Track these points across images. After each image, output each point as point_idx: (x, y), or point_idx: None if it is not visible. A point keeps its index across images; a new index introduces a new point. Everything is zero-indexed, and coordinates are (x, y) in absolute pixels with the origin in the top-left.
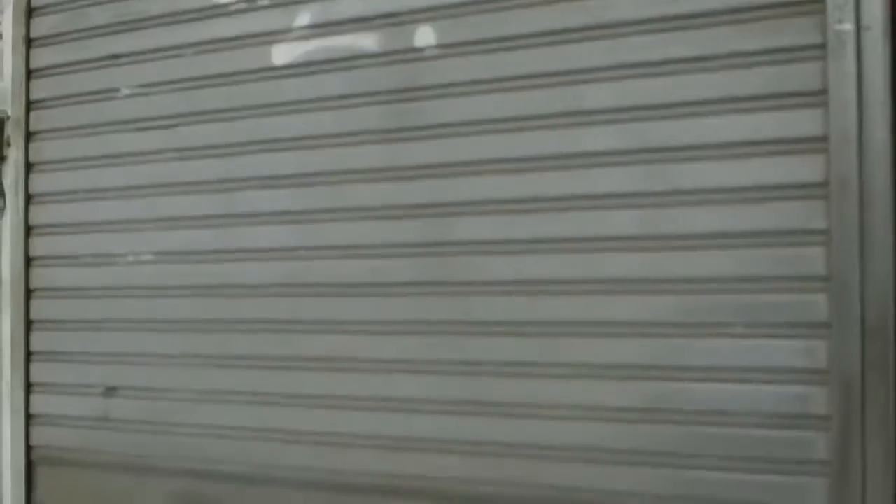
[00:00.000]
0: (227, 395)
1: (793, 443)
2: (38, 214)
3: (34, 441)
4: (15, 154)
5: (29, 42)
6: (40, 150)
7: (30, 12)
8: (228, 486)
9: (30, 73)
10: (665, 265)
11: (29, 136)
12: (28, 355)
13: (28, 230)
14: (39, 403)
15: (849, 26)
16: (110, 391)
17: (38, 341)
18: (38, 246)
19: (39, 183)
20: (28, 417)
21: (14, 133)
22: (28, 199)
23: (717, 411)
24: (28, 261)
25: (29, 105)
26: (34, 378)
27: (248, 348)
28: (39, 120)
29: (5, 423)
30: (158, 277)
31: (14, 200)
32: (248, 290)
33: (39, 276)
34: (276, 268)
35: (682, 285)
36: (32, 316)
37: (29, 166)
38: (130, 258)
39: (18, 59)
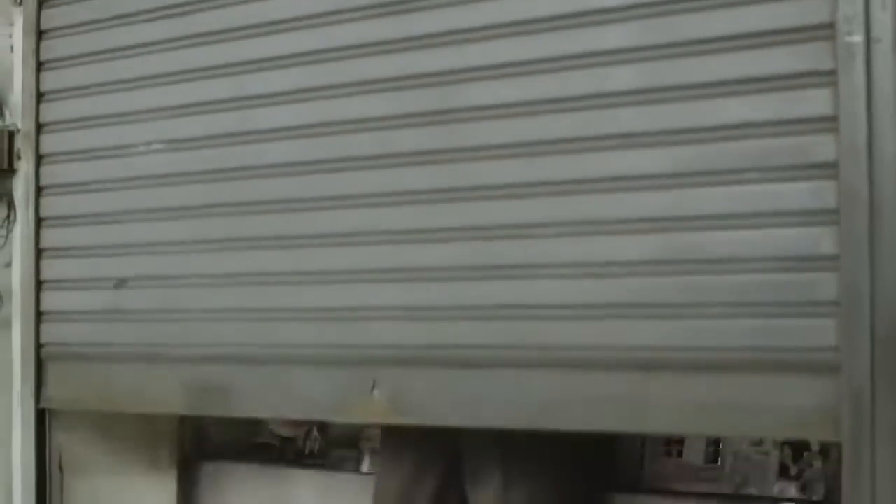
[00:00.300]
0: (238, 278)
1: (802, 285)
2: (49, 112)
3: (44, 339)
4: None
5: None
6: (51, 47)
7: None
8: (239, 368)
9: None
10: (672, 116)
11: (40, 34)
12: (38, 253)
13: (39, 127)
14: (49, 300)
15: (858, 38)
16: (121, 283)
17: (48, 238)
18: (49, 143)
19: (49, 81)
20: (38, 315)
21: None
22: (39, 97)
23: (728, 258)
24: (38, 159)
25: (41, 3)
26: (44, 276)
27: (258, 230)
28: (51, 18)
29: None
30: (168, 165)
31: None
32: (256, 171)
33: (49, 174)
34: (284, 147)
35: (691, 135)
36: (42, 213)
37: (40, 64)
38: (141, 148)
39: None
